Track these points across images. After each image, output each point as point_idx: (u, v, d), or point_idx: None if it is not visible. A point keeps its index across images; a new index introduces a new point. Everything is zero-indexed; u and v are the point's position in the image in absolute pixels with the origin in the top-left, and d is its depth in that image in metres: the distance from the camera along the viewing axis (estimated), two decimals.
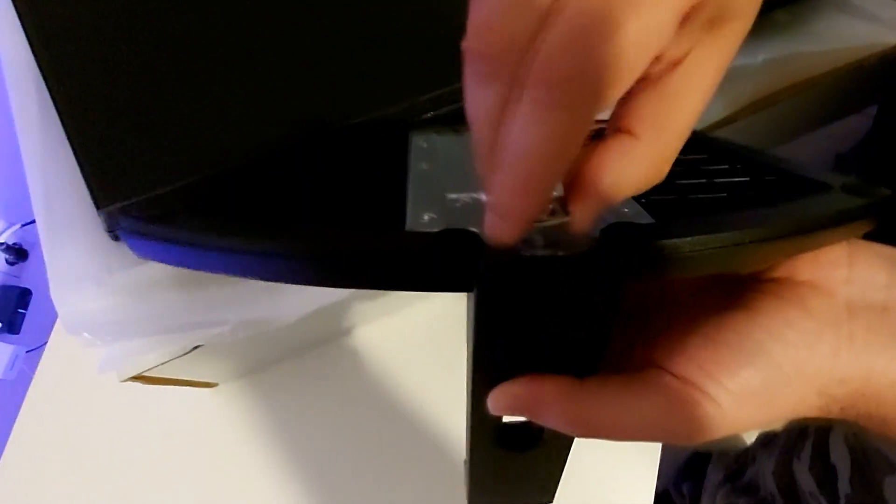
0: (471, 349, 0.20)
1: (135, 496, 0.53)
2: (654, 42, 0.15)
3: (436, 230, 0.18)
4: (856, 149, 0.62)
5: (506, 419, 0.23)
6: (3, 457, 0.55)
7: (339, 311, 0.48)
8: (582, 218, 0.18)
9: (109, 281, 0.36)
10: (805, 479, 0.71)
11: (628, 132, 0.18)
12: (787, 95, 0.44)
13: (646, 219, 0.21)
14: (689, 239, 0.18)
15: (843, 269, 0.21)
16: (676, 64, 0.17)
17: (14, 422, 0.57)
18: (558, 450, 0.24)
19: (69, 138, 0.37)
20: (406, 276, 0.17)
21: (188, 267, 0.22)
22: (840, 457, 0.64)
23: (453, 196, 0.22)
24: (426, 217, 0.21)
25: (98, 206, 0.36)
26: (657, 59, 0.17)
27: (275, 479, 0.53)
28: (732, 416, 0.19)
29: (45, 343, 0.60)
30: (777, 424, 0.21)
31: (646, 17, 0.15)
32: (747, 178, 0.25)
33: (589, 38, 0.15)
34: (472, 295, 0.18)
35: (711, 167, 0.26)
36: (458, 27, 0.17)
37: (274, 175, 0.36)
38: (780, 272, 0.21)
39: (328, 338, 0.55)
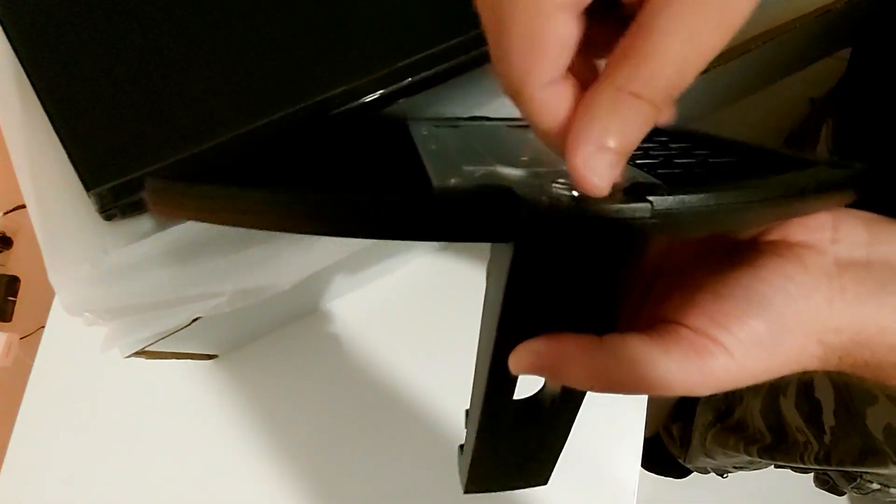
0: (495, 309, 0.21)
1: (143, 469, 0.55)
2: None
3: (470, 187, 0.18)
4: (830, 92, 0.63)
5: (516, 396, 0.24)
6: (10, 442, 0.56)
7: (332, 275, 0.49)
8: (594, 182, 0.18)
9: (105, 261, 0.37)
10: (791, 415, 0.74)
11: (609, 77, 0.18)
12: (759, 42, 0.44)
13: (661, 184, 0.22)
14: (711, 195, 0.19)
15: (828, 231, 0.23)
16: None
17: (15, 408, 0.58)
18: (563, 424, 0.25)
19: (52, 123, 0.37)
20: (450, 226, 0.17)
21: (222, 222, 0.21)
22: (824, 391, 0.67)
23: (469, 168, 0.23)
24: (452, 181, 0.21)
25: (88, 188, 0.36)
26: None
27: (278, 445, 0.55)
28: (743, 364, 0.21)
29: (39, 329, 0.61)
30: (782, 373, 0.22)
31: None
32: (737, 158, 0.26)
33: None
34: (506, 248, 0.19)
35: (701, 151, 0.27)
36: None
37: (272, 151, 0.36)
38: (775, 235, 0.23)
39: (324, 304, 0.57)
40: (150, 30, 0.39)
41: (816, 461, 0.68)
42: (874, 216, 0.24)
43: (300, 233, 0.19)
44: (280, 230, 0.19)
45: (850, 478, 0.70)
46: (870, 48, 0.54)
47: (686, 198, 0.19)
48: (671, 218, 0.18)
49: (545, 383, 0.25)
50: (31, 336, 1.13)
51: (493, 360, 0.22)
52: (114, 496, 0.54)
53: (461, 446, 0.27)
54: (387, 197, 0.17)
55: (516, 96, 0.19)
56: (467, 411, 0.27)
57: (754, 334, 0.21)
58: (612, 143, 0.18)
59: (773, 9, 0.44)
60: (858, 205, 0.24)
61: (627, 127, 0.18)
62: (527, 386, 0.25)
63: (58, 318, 0.57)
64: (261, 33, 0.39)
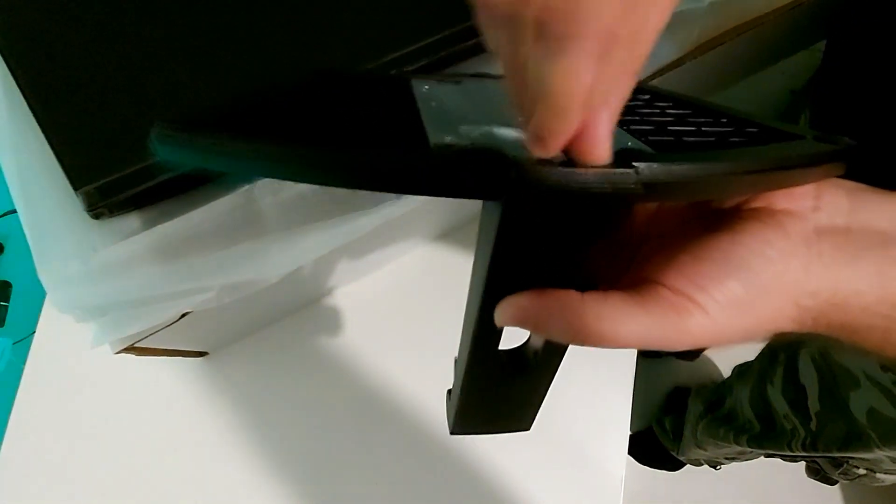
0: (483, 265, 0.22)
1: (136, 469, 0.55)
2: None
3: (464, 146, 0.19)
4: (809, 84, 0.64)
5: (501, 347, 0.25)
6: (3, 444, 0.57)
7: (320, 270, 0.50)
8: (594, 150, 0.19)
9: (95, 258, 0.37)
10: (779, 402, 0.75)
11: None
12: (734, 35, 0.45)
13: (649, 151, 0.23)
14: (697, 164, 0.20)
15: (810, 200, 0.24)
16: None
17: (8, 410, 0.58)
18: (545, 375, 0.26)
19: (39, 123, 0.38)
20: (443, 182, 0.18)
21: (230, 169, 0.22)
22: (808, 377, 0.68)
23: (466, 128, 0.24)
24: (448, 139, 0.22)
25: (75, 187, 0.37)
26: None
27: (269, 441, 0.55)
28: (719, 322, 0.22)
29: (31, 333, 0.61)
30: (758, 335, 0.23)
31: None
32: (732, 128, 0.27)
33: None
34: (495, 207, 0.20)
35: (699, 119, 0.28)
36: None
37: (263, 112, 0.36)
38: (759, 203, 0.24)
39: (311, 300, 0.57)
40: (135, 27, 0.39)
41: (804, 448, 0.69)
42: (857, 185, 0.24)
43: (299, 181, 0.20)
44: (278, 178, 0.20)
45: (837, 464, 0.71)
46: (843, 40, 0.55)
47: (672, 166, 0.19)
48: (655, 184, 0.19)
49: (529, 337, 0.26)
50: (24, 341, 1.13)
51: (480, 311, 0.23)
52: (107, 496, 0.55)
53: (449, 391, 0.28)
54: (383, 150, 0.18)
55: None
56: (456, 359, 0.28)
57: (731, 295, 0.22)
58: (615, 117, 0.19)
59: (745, 2, 0.45)
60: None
61: (624, 99, 0.19)
62: (512, 339, 0.26)
63: (48, 320, 0.58)
64: (245, 26, 0.40)
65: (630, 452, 1.32)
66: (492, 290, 0.22)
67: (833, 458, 0.70)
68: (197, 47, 0.39)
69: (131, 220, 0.39)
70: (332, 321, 0.58)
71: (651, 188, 0.19)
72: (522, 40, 0.18)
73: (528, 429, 0.29)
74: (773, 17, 0.46)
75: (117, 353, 0.38)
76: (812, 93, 0.60)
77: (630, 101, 0.22)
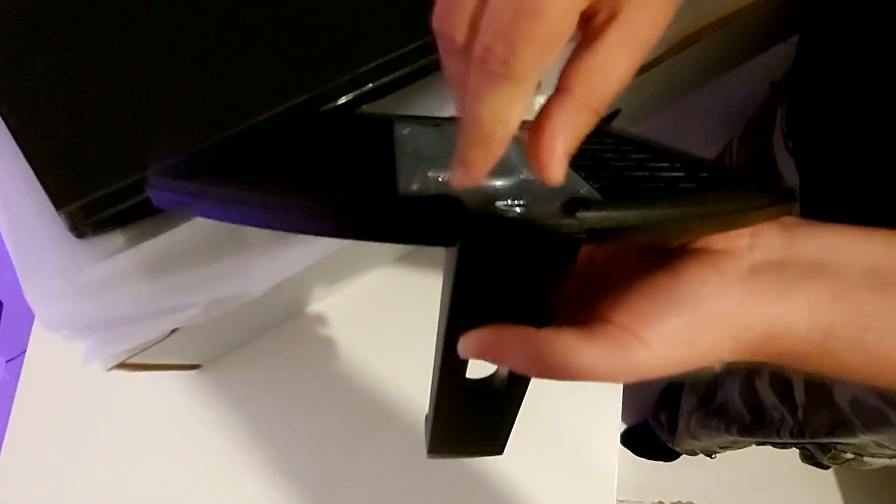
0: (447, 301, 0.24)
1: (132, 482, 0.55)
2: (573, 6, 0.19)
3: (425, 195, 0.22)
4: (787, 76, 0.65)
5: (469, 375, 0.27)
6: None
7: (305, 282, 0.50)
8: (539, 167, 0.22)
9: (80, 277, 0.37)
10: (767, 395, 0.76)
11: (564, 89, 0.22)
12: (710, 32, 0.46)
13: (598, 198, 0.25)
14: (634, 211, 0.22)
15: (746, 239, 0.26)
16: (609, 22, 0.21)
17: (2, 429, 0.58)
18: (511, 403, 0.28)
19: (18, 143, 0.38)
20: (403, 231, 0.21)
21: (216, 218, 0.24)
22: (793, 371, 0.69)
23: (433, 173, 0.26)
24: (413, 187, 0.24)
25: (57, 207, 0.37)
26: (590, 18, 0.21)
27: (264, 452, 0.55)
28: (662, 355, 0.24)
29: (24, 352, 0.62)
30: (701, 364, 0.26)
31: None
32: (683, 174, 0.29)
33: (516, 8, 0.19)
34: (454, 250, 0.22)
35: (655, 164, 0.31)
36: None
37: (253, 153, 0.37)
38: (699, 244, 0.26)
39: (300, 309, 0.58)
40: (113, 46, 0.39)
41: (791, 436, 0.70)
42: (792, 220, 0.26)
43: (273, 229, 0.22)
44: (251, 225, 0.22)
45: (825, 449, 0.72)
46: (816, 33, 0.56)
47: (613, 213, 0.22)
48: (598, 230, 0.21)
49: (497, 368, 0.28)
50: (17, 359, 1.13)
51: (445, 344, 0.25)
52: None
53: (427, 416, 0.30)
54: (346, 199, 0.21)
55: (514, 76, 0.20)
56: (431, 385, 0.30)
57: (672, 330, 0.24)
58: (571, 148, 0.22)
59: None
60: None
61: (584, 132, 0.22)
62: (482, 367, 0.27)
63: (39, 338, 0.58)
64: (223, 45, 0.40)
65: (627, 445, 1.33)
66: (454, 325, 0.24)
67: (821, 443, 0.71)
68: (175, 65, 0.39)
69: (116, 238, 0.39)
70: (322, 330, 0.58)
71: (593, 234, 0.21)
72: (468, 70, 0.20)
73: (501, 453, 0.30)
74: (748, 11, 0.47)
75: (109, 370, 0.38)
76: (787, 85, 0.61)
77: (595, 145, 0.25)
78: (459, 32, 0.21)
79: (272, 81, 0.40)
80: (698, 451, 1.18)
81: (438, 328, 0.27)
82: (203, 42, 0.40)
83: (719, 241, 0.26)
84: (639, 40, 0.21)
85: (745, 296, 0.24)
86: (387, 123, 0.36)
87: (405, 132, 0.34)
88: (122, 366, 0.39)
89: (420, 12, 0.40)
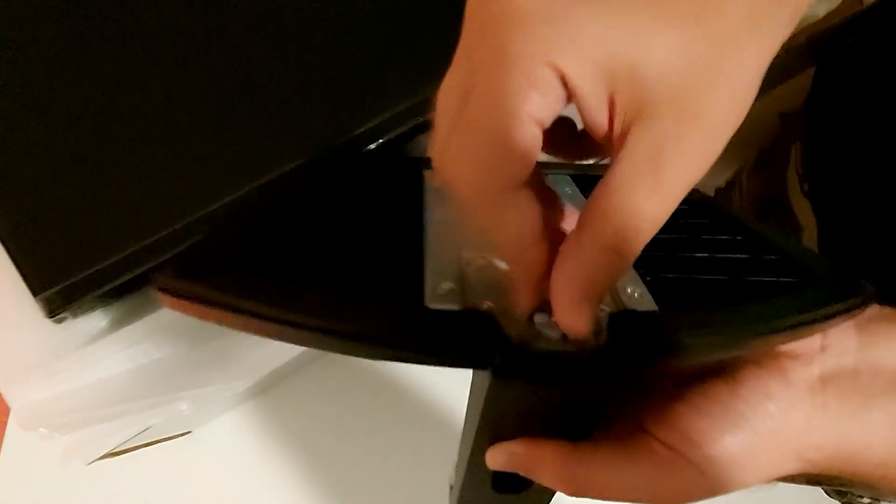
0: (475, 416, 0.22)
1: None
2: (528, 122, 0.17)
3: (455, 307, 0.20)
4: (798, 111, 0.63)
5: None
6: None
7: (291, 365, 0.48)
8: (565, 322, 0.19)
9: (58, 366, 0.35)
10: None
11: (578, 225, 0.18)
12: None
13: (649, 303, 0.22)
14: (692, 335, 0.20)
15: (818, 339, 0.23)
16: (624, 136, 0.18)
17: None
18: (543, 497, 0.26)
19: None
20: (431, 354, 0.19)
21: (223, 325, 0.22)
22: None
23: (467, 257, 0.24)
24: (445, 287, 0.22)
25: (34, 292, 0.35)
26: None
27: None
28: (715, 480, 0.21)
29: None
30: (756, 485, 0.23)
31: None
32: (747, 255, 0.26)
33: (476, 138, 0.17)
34: (484, 373, 0.20)
35: (713, 237, 0.28)
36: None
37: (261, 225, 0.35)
38: (766, 353, 0.23)
39: (292, 371, 0.55)
40: (87, 125, 0.37)
41: (807, 481, 0.67)
42: (867, 316, 0.23)
43: (290, 342, 0.20)
44: (269, 337, 0.20)
45: (841, 493, 0.70)
46: (834, 71, 0.54)
47: (667, 338, 0.19)
48: (656, 354, 0.19)
49: None
50: None
51: (472, 453, 0.23)
52: None
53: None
54: (371, 324, 0.19)
55: (479, 204, 0.19)
56: (451, 483, 0.28)
57: (728, 454, 0.21)
58: (597, 295, 0.18)
59: None
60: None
61: (611, 279, 0.18)
62: None
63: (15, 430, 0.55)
64: (199, 121, 0.37)
65: None
66: (482, 438, 0.22)
67: (836, 490, 0.69)
68: (152, 148, 0.36)
69: (96, 320, 0.37)
70: (318, 387, 0.56)
71: (649, 360, 0.19)
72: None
73: None
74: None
75: (90, 464, 0.36)
76: (802, 123, 0.59)
77: None
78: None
79: (254, 152, 0.37)
80: None
81: (464, 433, 0.25)
82: (181, 120, 0.37)
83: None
84: (669, 162, 0.17)
85: (815, 412, 0.21)
86: (415, 170, 0.33)
87: (434, 187, 0.31)
88: (105, 457, 0.37)
89: (428, 64, 0.38)
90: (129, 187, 0.36)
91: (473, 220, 0.19)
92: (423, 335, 0.19)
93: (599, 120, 0.18)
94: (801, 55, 0.50)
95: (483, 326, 0.19)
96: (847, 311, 0.22)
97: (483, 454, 0.23)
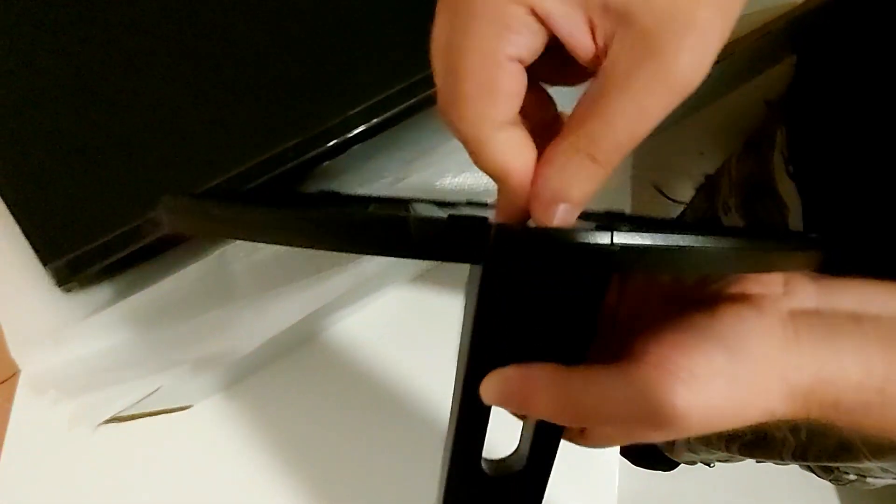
0: (467, 337, 0.22)
1: None
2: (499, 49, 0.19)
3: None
4: (782, 97, 0.65)
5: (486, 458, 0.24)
6: None
7: (296, 329, 0.49)
8: (533, 209, 0.20)
9: (67, 334, 0.36)
10: None
11: (562, 133, 0.20)
12: None
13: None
14: (668, 235, 0.20)
15: (780, 286, 0.24)
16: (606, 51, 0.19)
17: None
18: (533, 487, 0.25)
19: (4, 199, 0.37)
20: (428, 245, 0.19)
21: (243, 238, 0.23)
22: None
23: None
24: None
25: (44, 262, 0.36)
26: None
27: (261, 487, 0.55)
28: (705, 396, 0.21)
29: (14, 374, 0.60)
30: (752, 414, 0.23)
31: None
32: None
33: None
34: (476, 273, 0.20)
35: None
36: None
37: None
38: (734, 289, 0.25)
39: (293, 346, 0.57)
40: (97, 100, 0.38)
41: (794, 457, 0.69)
42: (820, 275, 0.25)
43: (296, 246, 0.21)
44: (280, 244, 0.21)
45: (828, 470, 0.72)
46: (814, 56, 0.55)
47: (647, 234, 0.20)
48: (633, 253, 0.19)
49: (517, 446, 0.25)
50: (8, 381, 1.11)
51: (465, 390, 0.23)
52: None
53: None
54: (377, 216, 0.20)
55: (471, 140, 0.20)
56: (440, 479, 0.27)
57: (713, 365, 0.22)
58: (569, 197, 0.20)
59: None
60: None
61: (584, 183, 0.20)
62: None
63: (26, 389, 0.56)
64: (208, 96, 0.39)
65: (626, 455, 1.33)
66: (476, 363, 0.22)
67: (823, 465, 0.71)
68: (158, 119, 0.38)
69: (103, 291, 0.38)
70: (319, 363, 0.57)
71: (626, 254, 0.19)
72: None
73: None
74: (745, 44, 0.46)
75: (96, 428, 0.38)
76: (785, 108, 0.60)
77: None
78: None
79: (262, 127, 0.39)
80: (697, 461, 1.18)
81: (454, 398, 0.24)
82: (188, 93, 0.39)
83: (753, 286, 0.24)
84: (666, 86, 0.19)
85: (788, 339, 0.22)
86: (404, 204, 0.35)
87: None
88: (110, 420, 0.38)
89: (406, 53, 0.40)
90: (134, 160, 0.37)
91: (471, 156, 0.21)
92: (419, 227, 0.19)
93: (583, 42, 0.19)
94: (783, 40, 0.52)
95: (474, 221, 0.19)
96: (805, 248, 0.24)
97: (473, 399, 0.22)
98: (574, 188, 0.20)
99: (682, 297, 0.26)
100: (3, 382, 1.13)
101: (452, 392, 0.24)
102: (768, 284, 0.24)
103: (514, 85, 0.20)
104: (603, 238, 0.19)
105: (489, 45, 0.19)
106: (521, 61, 0.20)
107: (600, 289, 0.21)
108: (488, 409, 0.23)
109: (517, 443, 0.26)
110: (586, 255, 0.19)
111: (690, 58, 0.18)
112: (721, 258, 0.22)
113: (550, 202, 0.20)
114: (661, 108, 0.19)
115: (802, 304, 0.24)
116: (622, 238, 0.19)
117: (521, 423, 0.26)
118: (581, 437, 0.26)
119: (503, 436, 0.25)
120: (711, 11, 0.18)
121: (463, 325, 0.23)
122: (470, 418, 0.23)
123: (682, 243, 0.20)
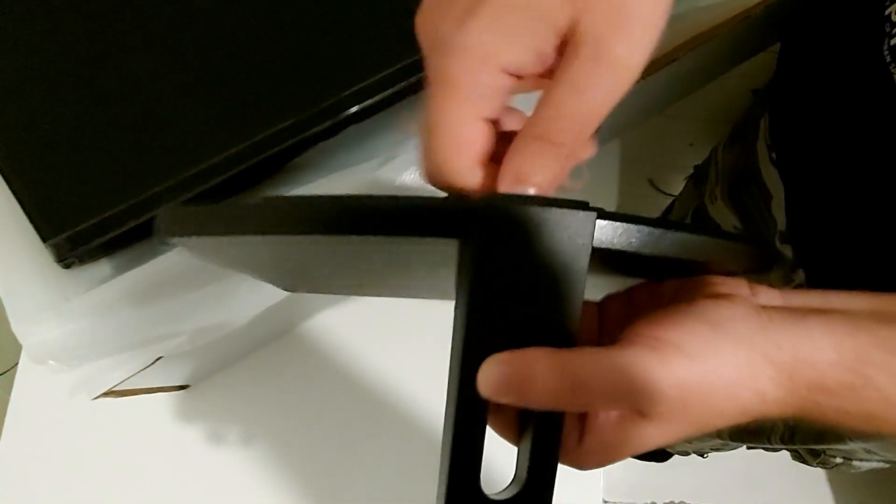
0: (461, 330, 0.22)
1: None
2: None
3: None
4: (769, 86, 0.66)
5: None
6: None
7: (290, 305, 0.51)
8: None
9: (67, 308, 0.38)
10: None
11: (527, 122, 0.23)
12: (686, 50, 0.46)
13: None
14: (643, 224, 0.22)
15: (746, 288, 0.26)
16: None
17: None
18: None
19: (4, 175, 0.38)
20: (417, 222, 0.21)
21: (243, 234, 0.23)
22: None
23: None
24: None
25: (44, 238, 0.37)
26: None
27: (254, 470, 0.56)
28: (700, 366, 0.22)
29: (15, 366, 0.61)
30: (745, 392, 0.24)
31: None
32: None
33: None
34: (465, 251, 0.22)
35: None
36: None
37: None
38: (708, 292, 0.26)
39: (290, 328, 0.58)
40: (97, 78, 0.40)
41: (782, 441, 0.70)
42: (783, 287, 0.27)
43: (293, 234, 0.22)
44: (276, 234, 0.22)
45: (815, 454, 0.73)
46: (796, 44, 0.57)
47: (623, 219, 0.22)
48: (610, 230, 0.21)
49: (514, 473, 0.25)
50: (9, 373, 1.12)
51: (461, 382, 0.22)
52: None
53: None
54: (366, 199, 0.21)
55: (445, 186, 0.23)
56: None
57: (704, 337, 0.23)
58: (533, 180, 0.22)
59: (695, 17, 0.46)
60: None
61: (545, 166, 0.22)
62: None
63: (28, 364, 0.58)
64: (206, 75, 0.40)
65: None
66: (471, 351, 0.22)
67: (810, 449, 0.72)
68: (158, 96, 0.39)
69: (102, 267, 0.39)
70: (313, 347, 0.58)
71: (606, 234, 0.21)
72: None
73: None
74: (724, 30, 0.48)
75: (94, 399, 0.39)
76: (769, 96, 0.62)
77: None
78: None
79: (255, 108, 0.40)
80: (690, 452, 1.19)
81: (447, 406, 0.23)
82: (186, 73, 0.40)
83: (724, 287, 0.26)
84: (611, 77, 0.21)
85: (763, 322, 0.23)
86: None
87: None
88: (108, 394, 0.39)
89: (400, 35, 0.41)
90: (133, 137, 0.38)
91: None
92: (412, 205, 0.20)
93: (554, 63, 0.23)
94: (764, 25, 0.53)
95: (466, 198, 0.21)
96: (764, 249, 0.26)
97: (469, 395, 0.22)
98: (537, 172, 0.22)
99: (664, 295, 0.28)
100: (2, 374, 1.14)
101: (446, 396, 0.24)
102: (736, 287, 0.26)
103: (479, 138, 0.23)
104: (585, 208, 0.21)
105: (461, 112, 0.22)
106: (488, 114, 0.23)
107: (585, 252, 0.22)
108: (484, 416, 0.23)
109: (514, 471, 0.25)
110: (571, 220, 0.21)
111: (626, 46, 0.21)
112: (690, 246, 0.24)
113: (514, 184, 0.22)
114: (604, 92, 0.22)
115: (770, 302, 0.25)
116: (601, 213, 0.21)
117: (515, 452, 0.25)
118: (579, 449, 0.25)
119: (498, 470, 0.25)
120: (642, 2, 0.21)
121: (455, 321, 0.23)
122: (468, 418, 0.23)
123: (653, 223, 0.22)
